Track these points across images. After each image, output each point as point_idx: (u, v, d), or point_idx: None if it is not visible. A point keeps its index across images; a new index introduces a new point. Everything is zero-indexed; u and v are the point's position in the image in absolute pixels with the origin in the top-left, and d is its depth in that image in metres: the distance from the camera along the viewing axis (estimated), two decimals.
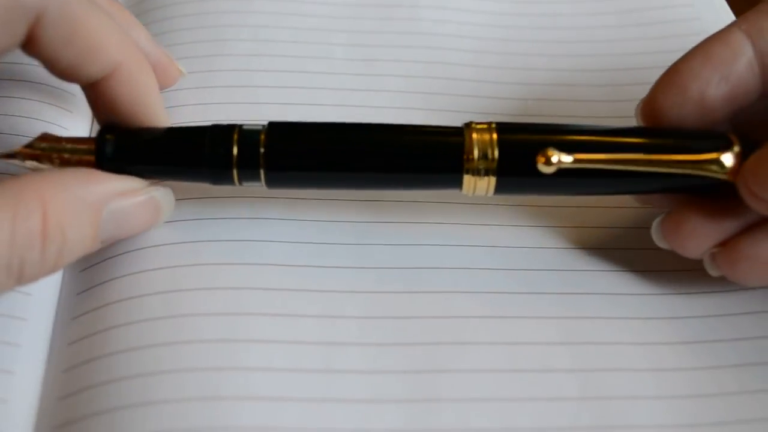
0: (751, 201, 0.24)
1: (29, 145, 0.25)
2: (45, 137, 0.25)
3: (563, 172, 0.24)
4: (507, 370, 0.25)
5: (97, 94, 0.26)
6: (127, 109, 0.26)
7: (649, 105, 0.26)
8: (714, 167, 0.24)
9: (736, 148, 0.24)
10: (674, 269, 0.27)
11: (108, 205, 0.24)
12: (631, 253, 0.28)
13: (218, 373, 0.24)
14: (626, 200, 0.30)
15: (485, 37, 0.36)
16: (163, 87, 0.29)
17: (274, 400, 0.24)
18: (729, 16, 0.36)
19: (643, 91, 0.33)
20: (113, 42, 0.25)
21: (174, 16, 0.35)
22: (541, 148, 0.24)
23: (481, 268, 0.27)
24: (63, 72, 0.25)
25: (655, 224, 0.26)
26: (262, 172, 0.25)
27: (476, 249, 0.28)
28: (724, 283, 0.27)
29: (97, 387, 0.24)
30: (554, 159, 0.24)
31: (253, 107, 0.32)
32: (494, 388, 0.24)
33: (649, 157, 0.25)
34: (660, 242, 0.26)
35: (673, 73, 0.26)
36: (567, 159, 0.24)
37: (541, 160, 0.24)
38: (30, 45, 0.24)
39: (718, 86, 0.25)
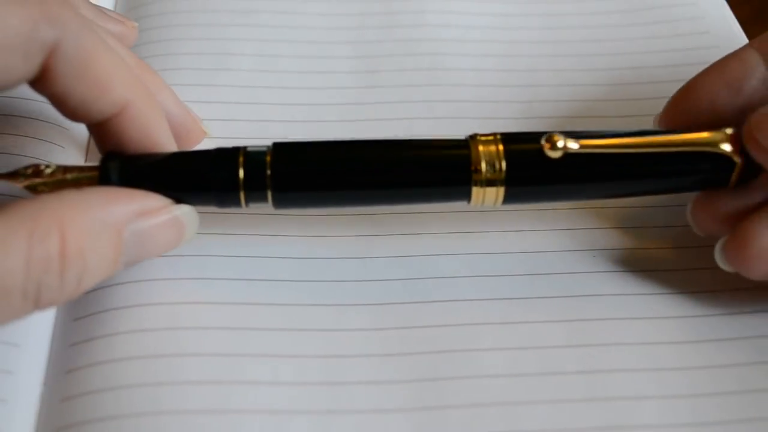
0: (757, 153, 0.24)
1: (33, 172, 0.25)
2: (48, 167, 0.25)
3: (571, 166, 0.25)
4: (513, 374, 0.25)
5: (105, 132, 0.25)
6: (136, 148, 0.25)
7: (665, 117, 0.27)
8: (719, 138, 0.25)
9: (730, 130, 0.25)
10: (678, 269, 0.27)
11: (130, 226, 0.23)
12: (635, 254, 0.28)
13: (224, 387, 0.24)
14: (628, 200, 0.29)
15: (489, 39, 0.36)
16: (185, 148, 0.29)
17: (279, 413, 0.24)
18: (730, 16, 0.36)
19: (648, 91, 0.34)
20: (124, 79, 0.24)
21: (178, 26, 0.35)
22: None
23: (485, 276, 0.27)
24: (73, 109, 0.24)
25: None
26: (269, 193, 0.25)
27: (479, 257, 0.28)
28: (727, 282, 0.27)
29: (101, 393, 0.24)
30: (560, 144, 0.24)
31: (257, 124, 0.32)
32: (500, 393, 0.24)
33: (654, 139, 0.25)
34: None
35: (688, 87, 0.27)
36: (573, 145, 0.24)
37: (546, 146, 0.24)
38: (42, 79, 0.23)
39: (730, 99, 0.26)
